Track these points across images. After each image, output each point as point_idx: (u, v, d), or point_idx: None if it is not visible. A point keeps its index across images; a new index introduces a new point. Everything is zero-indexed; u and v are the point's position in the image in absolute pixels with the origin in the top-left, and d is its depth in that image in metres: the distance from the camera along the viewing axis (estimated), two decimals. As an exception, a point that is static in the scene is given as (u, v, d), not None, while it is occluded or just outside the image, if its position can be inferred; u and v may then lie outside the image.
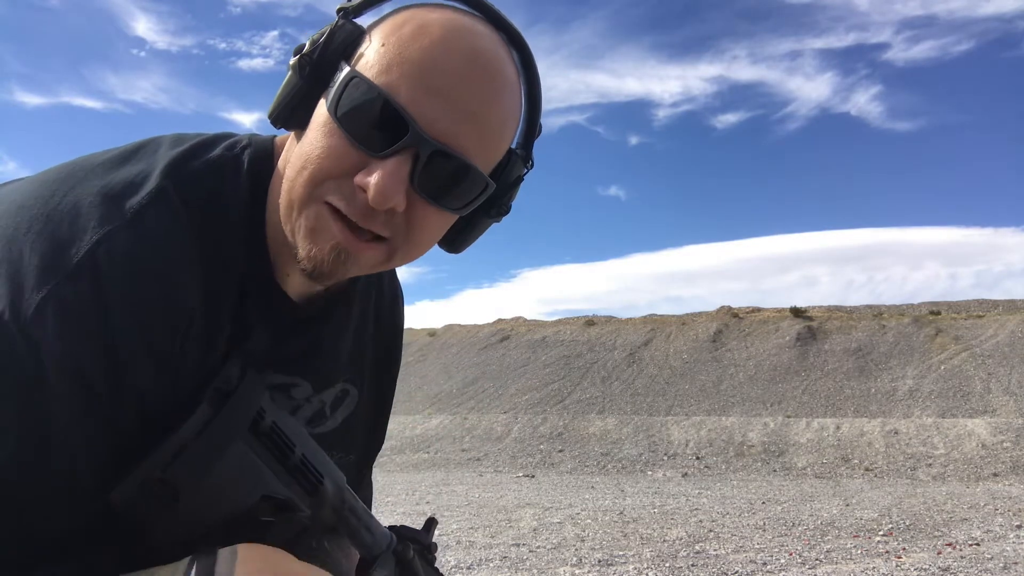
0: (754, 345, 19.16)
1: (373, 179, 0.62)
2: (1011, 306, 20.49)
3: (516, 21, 0.70)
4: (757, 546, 6.50)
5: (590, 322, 22.38)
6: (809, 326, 19.58)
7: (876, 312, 21.48)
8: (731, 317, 20.99)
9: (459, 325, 25.00)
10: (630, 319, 22.48)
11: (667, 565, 5.70)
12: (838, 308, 22.17)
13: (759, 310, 21.48)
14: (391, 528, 0.81)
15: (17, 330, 0.57)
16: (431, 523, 0.86)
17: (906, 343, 18.00)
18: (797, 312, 20.67)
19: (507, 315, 24.97)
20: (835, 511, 8.52)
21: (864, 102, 54.60)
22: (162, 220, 0.65)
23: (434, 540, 0.85)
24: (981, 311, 20.26)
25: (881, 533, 7.08)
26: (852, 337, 18.72)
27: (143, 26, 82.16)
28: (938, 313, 20.21)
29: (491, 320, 24.24)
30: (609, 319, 22.75)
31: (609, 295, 47.07)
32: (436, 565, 0.86)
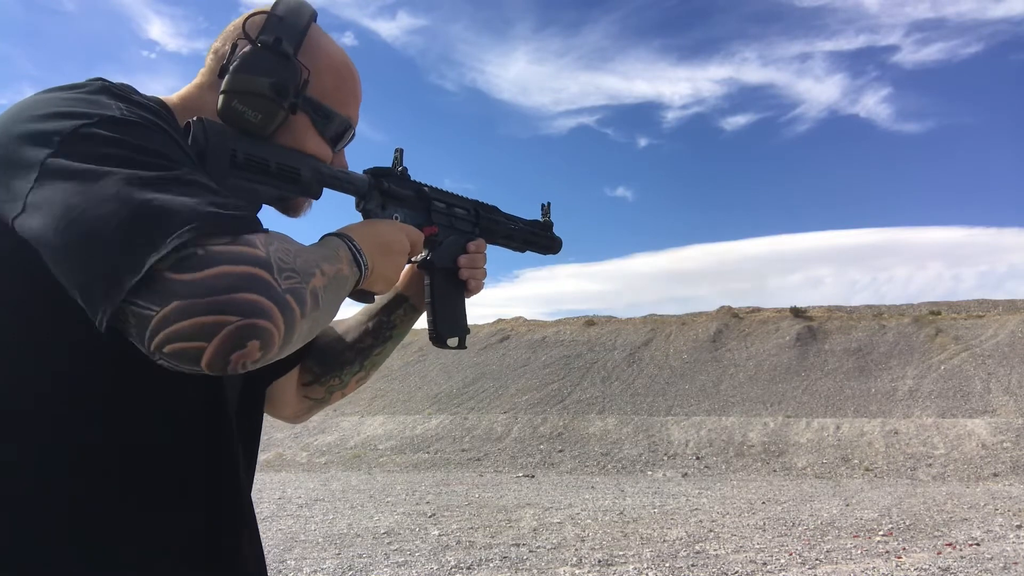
0: (754, 345, 19.15)
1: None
2: (1011, 306, 20.48)
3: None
4: (757, 546, 6.50)
5: (590, 322, 22.36)
6: (809, 326, 19.57)
7: (876, 312, 21.47)
8: (731, 317, 20.98)
9: (459, 325, 24.80)
10: (630, 319, 22.46)
11: (667, 565, 5.71)
12: (838, 308, 22.16)
13: (759, 310, 21.46)
14: (365, 171, 1.00)
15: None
16: (399, 151, 1.05)
17: (906, 343, 18.00)
18: (797, 312, 20.64)
19: (507, 315, 24.93)
20: (835, 511, 8.52)
21: (873, 104, 54.36)
22: (144, 104, 0.78)
23: (404, 165, 1.05)
24: (981, 311, 20.24)
25: (881, 533, 7.08)
26: (852, 337, 18.71)
27: (157, 29, 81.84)
28: (938, 313, 20.20)
29: (491, 320, 24.23)
30: (609, 319, 22.73)
31: (611, 295, 46.99)
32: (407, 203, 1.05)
